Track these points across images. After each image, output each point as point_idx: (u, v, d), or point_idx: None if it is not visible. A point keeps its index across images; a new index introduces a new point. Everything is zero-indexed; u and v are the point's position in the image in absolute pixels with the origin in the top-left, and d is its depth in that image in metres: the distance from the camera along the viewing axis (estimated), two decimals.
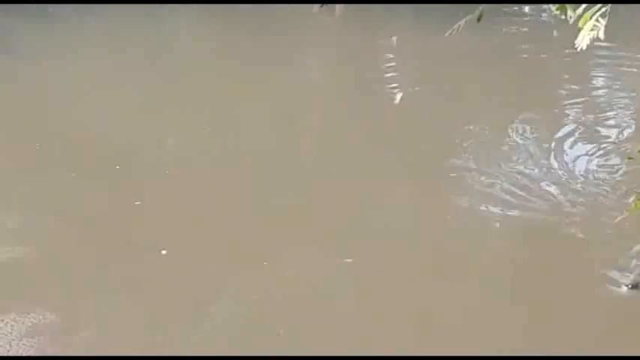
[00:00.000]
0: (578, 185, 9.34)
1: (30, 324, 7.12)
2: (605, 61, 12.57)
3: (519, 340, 7.03)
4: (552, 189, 9.25)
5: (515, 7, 14.77)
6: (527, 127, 10.57)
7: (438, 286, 7.68)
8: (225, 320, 7.28)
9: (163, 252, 8.12)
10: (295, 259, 8.07)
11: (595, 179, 9.46)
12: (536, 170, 9.69)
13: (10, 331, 7.04)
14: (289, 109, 11.48)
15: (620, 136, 10.51)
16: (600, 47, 11.91)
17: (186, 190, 9.36)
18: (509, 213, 8.88)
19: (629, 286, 7.11)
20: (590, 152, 10.02)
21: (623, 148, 10.05)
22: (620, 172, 9.54)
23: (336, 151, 10.19)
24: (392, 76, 12.51)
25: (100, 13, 14.53)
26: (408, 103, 11.29)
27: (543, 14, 14.78)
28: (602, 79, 12.72)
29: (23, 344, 6.87)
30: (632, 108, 11.37)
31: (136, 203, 9.04)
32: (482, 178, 9.56)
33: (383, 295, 7.56)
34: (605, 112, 11.19)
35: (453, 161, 9.94)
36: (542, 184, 9.40)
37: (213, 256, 8.17)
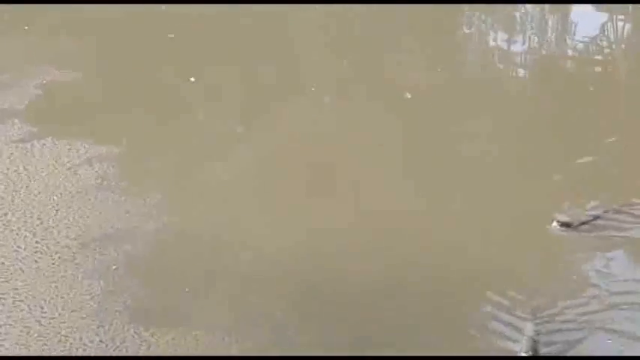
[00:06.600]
0: None
1: (90, 149, 7.44)
2: None
3: None
4: None
5: None
6: None
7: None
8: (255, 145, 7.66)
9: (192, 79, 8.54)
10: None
11: None
12: None
13: (76, 155, 7.38)
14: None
15: None
16: None
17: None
18: None
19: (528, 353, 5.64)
20: None
21: None
22: None
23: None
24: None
25: None
26: None
27: None
28: None
29: (88, 170, 7.19)
30: None
31: (170, 36, 9.37)
32: None
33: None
34: None
35: None
36: None
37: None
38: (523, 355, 5.53)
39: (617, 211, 6.84)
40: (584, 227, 6.71)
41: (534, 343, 5.58)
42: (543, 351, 5.56)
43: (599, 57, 9.78)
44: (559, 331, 5.75)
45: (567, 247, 6.55)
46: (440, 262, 6.27)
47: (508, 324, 5.80)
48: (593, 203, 6.93)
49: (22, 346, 5.53)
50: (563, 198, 7.01)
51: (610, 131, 7.97)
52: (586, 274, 6.31)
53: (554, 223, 6.68)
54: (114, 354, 5.51)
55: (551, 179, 7.27)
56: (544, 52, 9.91)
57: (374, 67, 9.10)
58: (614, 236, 6.66)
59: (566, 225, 6.68)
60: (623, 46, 10.07)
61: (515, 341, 5.65)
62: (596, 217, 6.79)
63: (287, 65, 9.04)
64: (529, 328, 5.71)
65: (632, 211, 6.86)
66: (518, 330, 5.74)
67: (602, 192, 7.08)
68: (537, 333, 5.66)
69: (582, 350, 5.61)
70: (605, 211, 6.84)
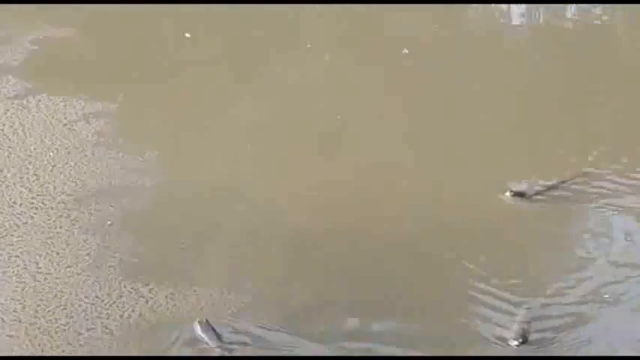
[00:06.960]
0: None
1: (86, 105, 7.33)
2: None
3: None
4: None
5: None
6: None
7: None
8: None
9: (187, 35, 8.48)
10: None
11: None
12: None
13: (72, 112, 7.28)
14: None
15: None
16: None
17: None
18: None
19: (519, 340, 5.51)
20: None
21: None
22: None
23: None
24: None
25: None
26: None
27: None
28: None
29: (84, 126, 7.10)
30: None
31: None
32: None
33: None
34: None
35: None
36: None
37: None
38: (514, 342, 5.39)
39: (571, 182, 6.73)
40: (538, 197, 6.61)
41: (524, 330, 5.46)
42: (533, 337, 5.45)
43: (596, 21, 9.65)
44: (548, 316, 5.65)
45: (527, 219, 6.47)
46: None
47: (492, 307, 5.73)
48: (547, 173, 6.84)
49: (17, 302, 5.48)
50: (520, 168, 6.94)
51: (573, 103, 7.88)
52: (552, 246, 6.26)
53: (508, 193, 6.58)
54: (110, 310, 5.45)
55: (514, 148, 7.18)
56: (544, 12, 9.76)
57: (372, 24, 8.97)
58: (569, 206, 6.57)
59: (519, 195, 6.58)
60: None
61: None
62: (551, 187, 6.68)
63: (285, 21, 8.91)
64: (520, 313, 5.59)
65: (586, 181, 6.77)
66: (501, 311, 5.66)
67: (558, 162, 6.99)
68: (528, 319, 5.55)
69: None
70: (560, 182, 6.73)
